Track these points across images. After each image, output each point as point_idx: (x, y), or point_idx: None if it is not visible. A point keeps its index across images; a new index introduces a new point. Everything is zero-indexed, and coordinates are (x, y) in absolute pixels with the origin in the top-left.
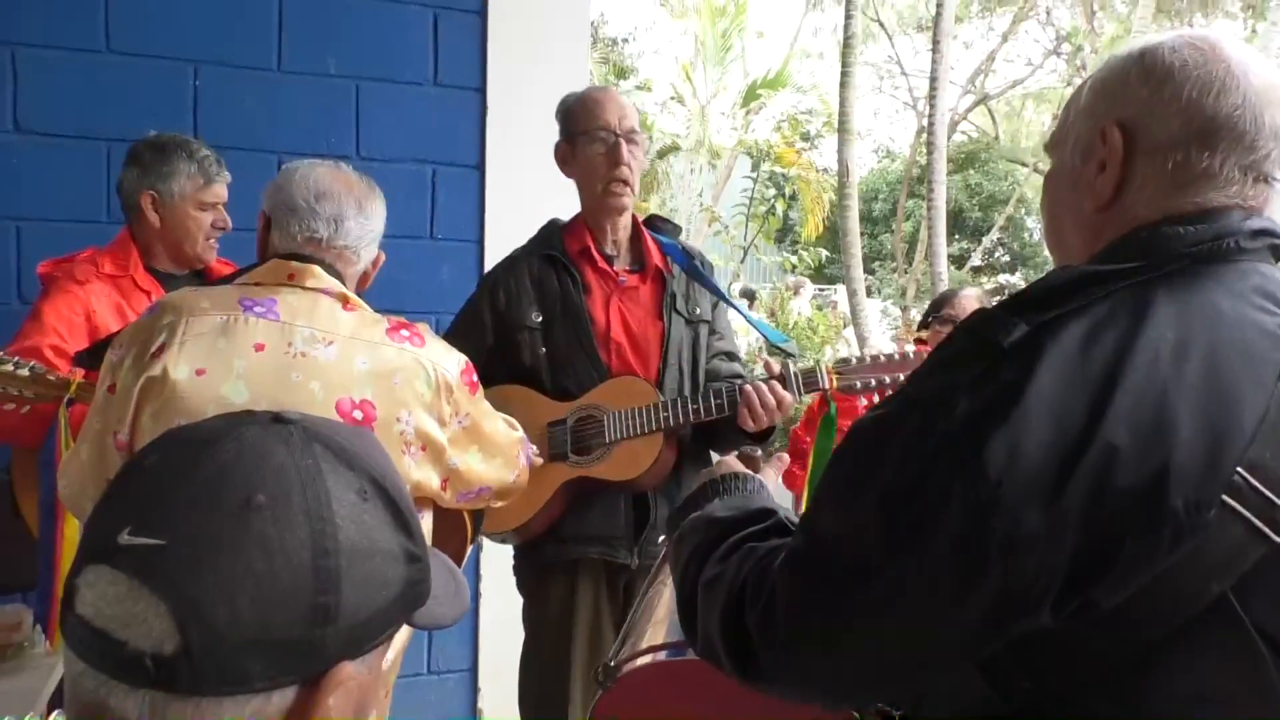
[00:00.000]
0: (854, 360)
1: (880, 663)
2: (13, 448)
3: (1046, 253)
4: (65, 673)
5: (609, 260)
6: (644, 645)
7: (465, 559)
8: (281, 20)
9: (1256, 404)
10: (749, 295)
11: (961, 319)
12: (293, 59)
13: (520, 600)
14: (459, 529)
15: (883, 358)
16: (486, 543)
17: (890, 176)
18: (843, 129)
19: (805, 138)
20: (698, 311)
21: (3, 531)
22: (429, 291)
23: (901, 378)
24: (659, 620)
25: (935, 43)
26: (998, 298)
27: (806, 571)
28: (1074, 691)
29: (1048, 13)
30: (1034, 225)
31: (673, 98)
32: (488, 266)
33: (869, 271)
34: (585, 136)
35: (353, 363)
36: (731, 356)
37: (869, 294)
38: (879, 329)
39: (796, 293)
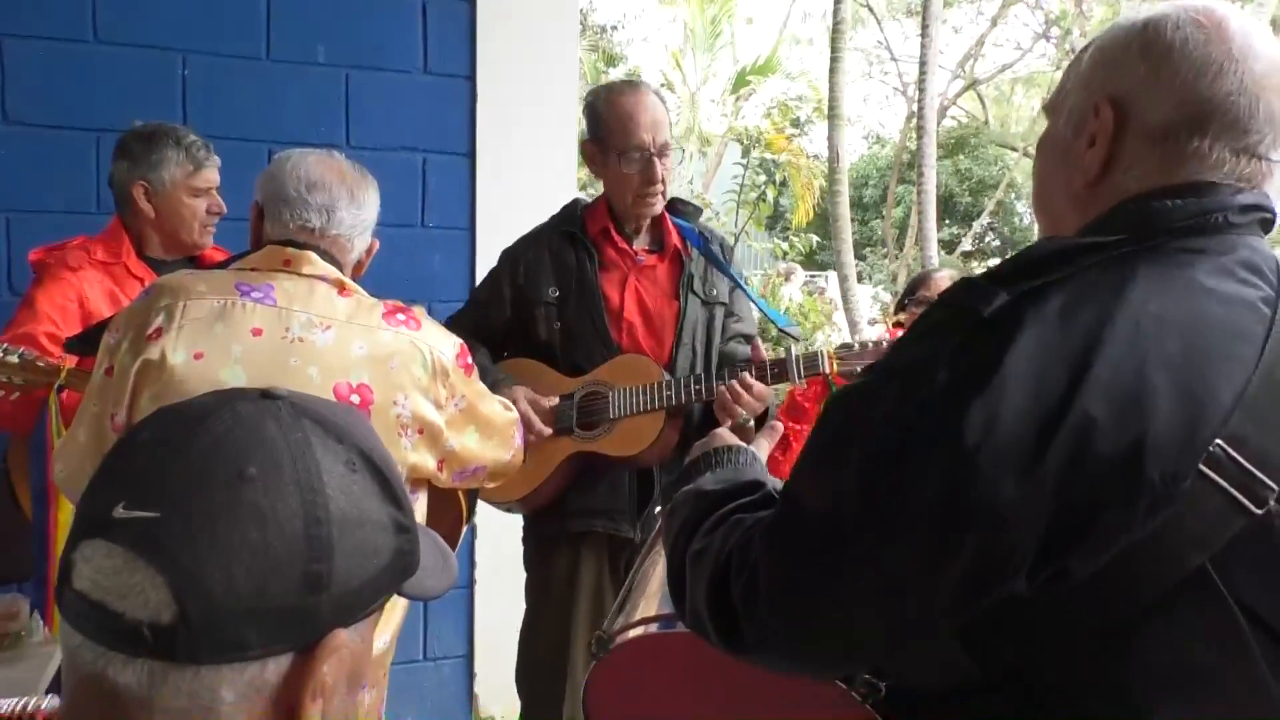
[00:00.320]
0: (856, 345)
1: (861, 631)
2: (10, 437)
3: (1036, 237)
4: (62, 646)
5: (628, 240)
6: (637, 617)
7: (460, 539)
8: (270, 9)
9: (1236, 377)
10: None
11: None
12: (282, 48)
13: (514, 586)
14: (453, 509)
15: (885, 343)
16: (481, 530)
17: (880, 162)
18: (833, 114)
19: (795, 124)
20: (715, 293)
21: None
22: (420, 279)
23: None
24: (652, 593)
25: (925, 26)
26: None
27: (787, 541)
28: (1053, 661)
29: None
30: (1024, 210)
31: (662, 85)
32: (479, 254)
33: (860, 257)
34: (619, 155)
35: (350, 347)
36: (750, 340)
37: (860, 279)
38: (870, 314)
39: (788, 279)
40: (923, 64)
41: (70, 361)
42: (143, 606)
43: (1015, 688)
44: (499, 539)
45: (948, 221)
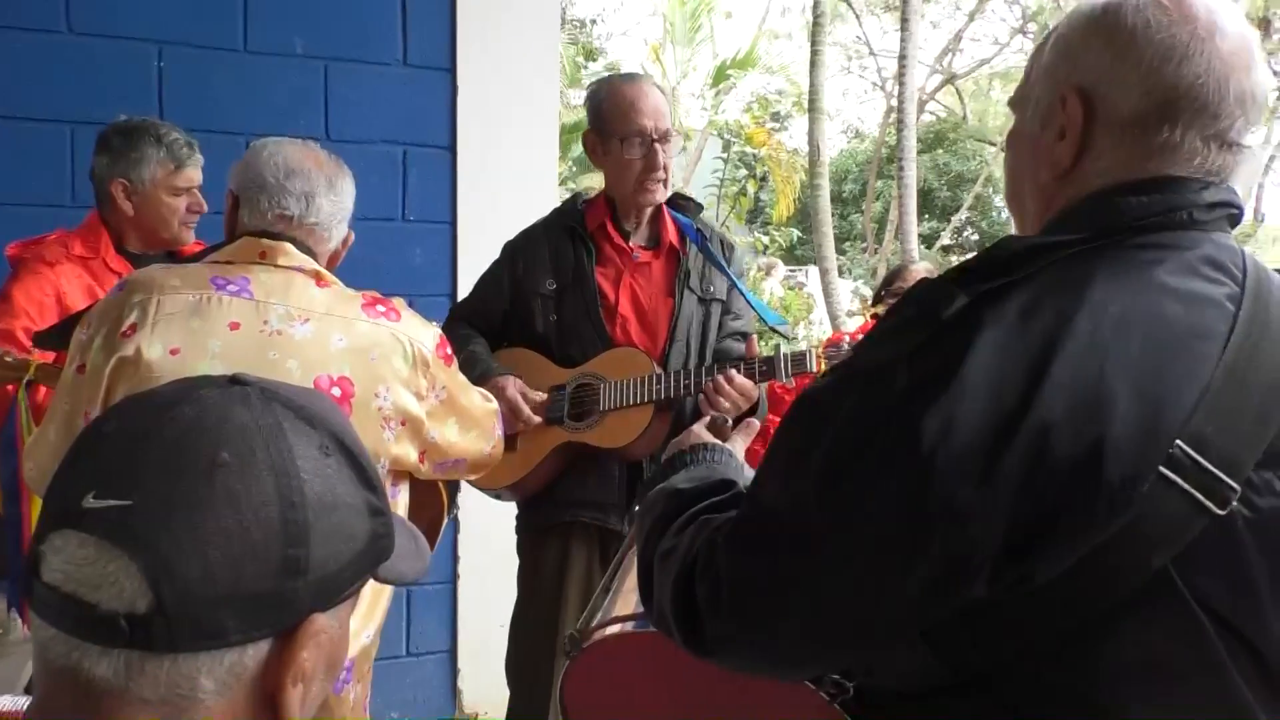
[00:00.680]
0: (846, 344)
1: (822, 634)
2: None
3: (1014, 231)
4: (34, 641)
5: (625, 236)
6: (613, 615)
7: (440, 532)
8: (247, 0)
9: (1198, 376)
10: None
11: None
12: (259, 39)
13: (498, 581)
14: (434, 501)
15: None
16: (465, 526)
17: (859, 157)
18: (813, 109)
19: (775, 118)
20: (711, 290)
21: None
22: (401, 273)
23: None
24: (628, 590)
25: (904, 20)
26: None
27: (749, 543)
28: (1019, 663)
29: None
30: (1002, 205)
31: None
32: (460, 248)
33: (839, 252)
34: (620, 141)
35: (329, 339)
36: (747, 338)
37: (840, 274)
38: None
39: (768, 273)
40: (902, 58)
41: (38, 356)
42: (118, 596)
43: (982, 689)
44: (482, 534)
45: (926, 216)
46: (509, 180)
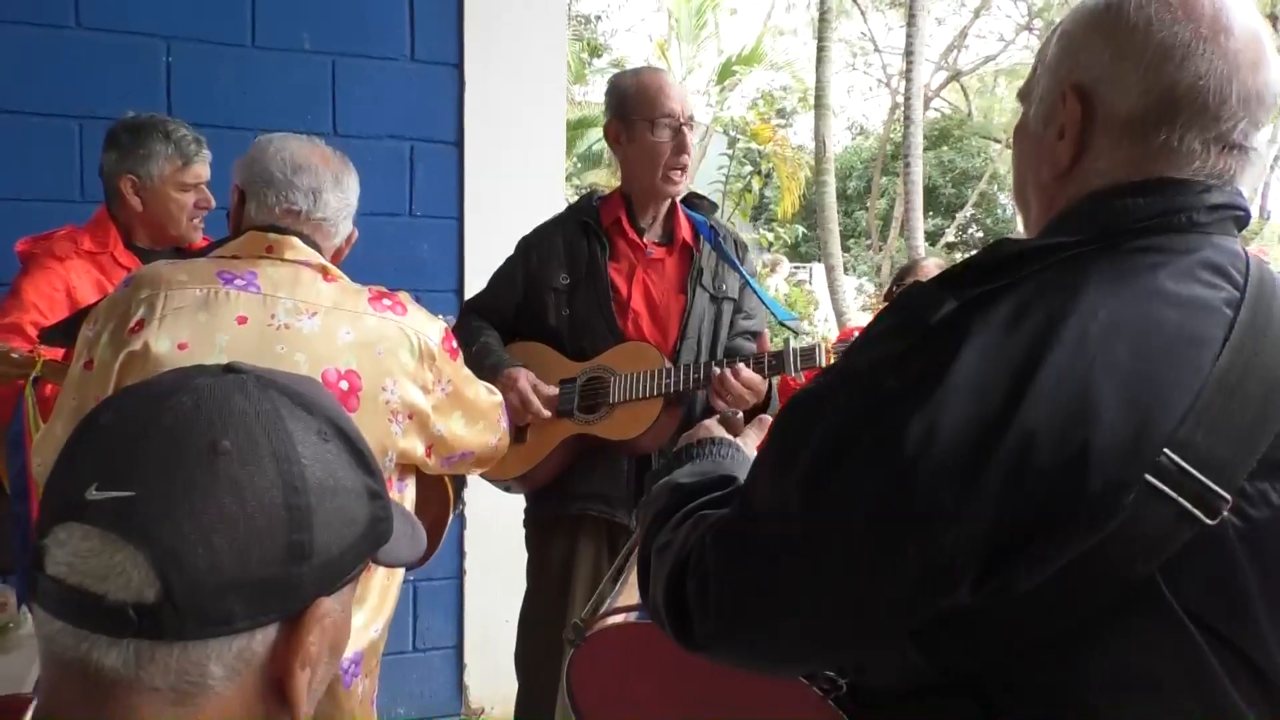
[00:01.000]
0: (855, 339)
1: (805, 635)
2: None
3: (1019, 228)
4: (39, 635)
5: (639, 233)
6: (619, 604)
7: (446, 527)
8: None
9: (1189, 384)
10: None
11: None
12: (267, 35)
13: (504, 577)
14: (439, 495)
15: None
16: (471, 521)
17: (864, 154)
18: (819, 105)
19: (780, 114)
20: (724, 289)
21: None
22: (408, 268)
23: None
24: (633, 580)
25: (911, 16)
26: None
27: (736, 543)
28: (1005, 667)
29: None
30: (1007, 202)
31: None
32: (467, 243)
33: (844, 249)
34: (648, 123)
35: (336, 333)
36: (757, 338)
37: (844, 271)
38: (855, 305)
39: (773, 270)
40: (909, 53)
41: (56, 354)
42: (125, 587)
43: (970, 690)
44: (489, 529)
45: (931, 213)
46: (516, 175)
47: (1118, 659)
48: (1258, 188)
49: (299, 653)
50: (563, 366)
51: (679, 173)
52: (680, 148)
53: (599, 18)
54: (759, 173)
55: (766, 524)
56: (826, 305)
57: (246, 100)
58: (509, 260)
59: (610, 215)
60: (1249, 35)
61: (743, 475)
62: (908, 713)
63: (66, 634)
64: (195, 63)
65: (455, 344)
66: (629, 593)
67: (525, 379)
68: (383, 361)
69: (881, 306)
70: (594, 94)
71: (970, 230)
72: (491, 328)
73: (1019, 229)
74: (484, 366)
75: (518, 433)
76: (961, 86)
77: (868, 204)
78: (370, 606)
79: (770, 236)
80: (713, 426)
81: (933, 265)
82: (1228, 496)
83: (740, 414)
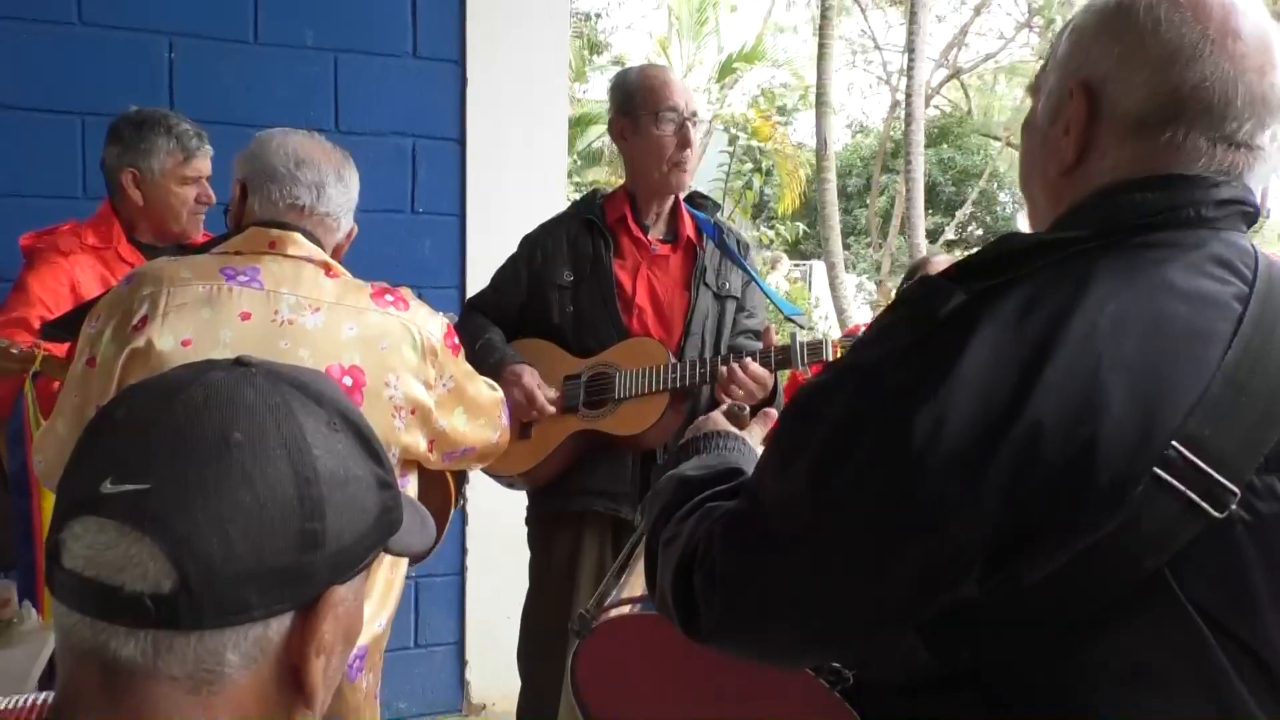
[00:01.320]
0: (860, 334)
1: (811, 628)
2: None
3: (1019, 227)
4: (56, 628)
5: (644, 230)
6: (623, 596)
7: (449, 521)
8: None
9: (1197, 378)
10: None
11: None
12: (270, 31)
13: (506, 573)
14: (441, 490)
15: None
16: (472, 518)
17: (864, 151)
18: (820, 102)
19: (781, 111)
20: (727, 287)
21: None
22: (410, 265)
23: None
24: (639, 573)
25: (912, 13)
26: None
27: (742, 536)
28: (1010, 661)
29: None
30: (1007, 200)
31: None
32: (469, 240)
33: (844, 246)
34: (653, 116)
35: (340, 329)
36: (759, 336)
37: (845, 268)
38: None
39: (774, 267)
40: (910, 50)
41: (57, 349)
42: (142, 578)
43: (975, 685)
44: (490, 526)
45: (931, 211)
46: (518, 173)
47: (1124, 653)
48: (1266, 185)
49: (314, 640)
50: (567, 363)
51: (684, 165)
52: (684, 142)
53: (599, 15)
54: (759, 170)
55: (774, 516)
56: (827, 303)
57: (249, 97)
58: (512, 258)
59: (615, 212)
60: (1258, 38)
61: (749, 469)
62: (912, 706)
63: (84, 626)
64: (198, 59)
65: (457, 340)
66: (634, 585)
67: (529, 375)
68: (386, 357)
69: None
70: (594, 91)
71: (970, 228)
72: (494, 325)
73: (1018, 226)
74: (488, 363)
75: (522, 429)
76: (961, 84)
77: (867, 201)
78: (374, 601)
79: (770, 234)
80: (718, 420)
81: (942, 262)
82: (1236, 490)
83: (746, 408)
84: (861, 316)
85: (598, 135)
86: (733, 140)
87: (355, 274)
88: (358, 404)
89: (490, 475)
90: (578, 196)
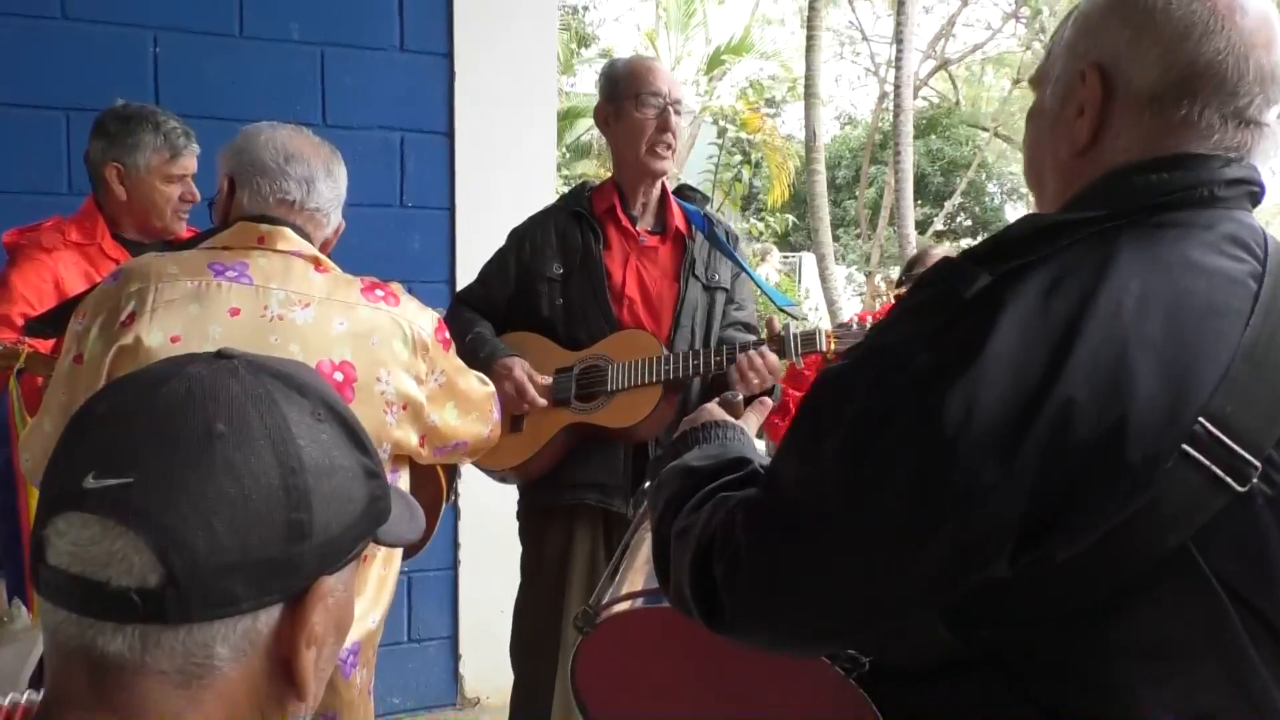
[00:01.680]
0: (854, 325)
1: (840, 612)
2: None
3: (1007, 217)
4: (43, 625)
5: (632, 221)
6: (624, 591)
7: (440, 515)
8: None
9: (1220, 355)
10: None
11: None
12: (254, 25)
13: (499, 567)
14: (433, 485)
15: None
16: (465, 512)
17: (853, 143)
18: (809, 94)
19: (770, 103)
20: (716, 279)
21: None
22: (400, 259)
23: None
24: (639, 567)
25: (900, 4)
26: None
27: (768, 521)
28: (1034, 641)
29: None
30: (995, 190)
31: None
32: (459, 234)
33: (833, 238)
34: (635, 100)
35: (330, 324)
36: (749, 328)
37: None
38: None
39: (763, 259)
40: (898, 41)
41: (43, 346)
42: (127, 572)
43: (994, 666)
44: (483, 520)
45: (920, 202)
46: (507, 165)
47: (1146, 627)
48: (1270, 164)
49: (304, 631)
50: (558, 355)
51: (664, 149)
52: (664, 125)
53: (587, 8)
54: (748, 162)
55: (801, 503)
56: (817, 294)
57: (235, 91)
58: (500, 251)
59: (603, 203)
60: (1261, 15)
61: (752, 457)
62: (930, 690)
63: (71, 623)
64: (183, 54)
65: (447, 334)
66: (634, 578)
67: (520, 368)
68: (376, 352)
69: (895, 293)
70: (582, 84)
71: (959, 218)
72: (484, 318)
73: (1007, 217)
74: (478, 356)
75: (514, 422)
76: (949, 75)
77: (856, 193)
78: (368, 597)
79: (760, 226)
80: (715, 410)
81: (939, 254)
82: (1257, 464)
83: (741, 397)
84: (851, 308)
85: (586, 128)
86: (721, 133)
87: (344, 268)
88: (349, 400)
89: (482, 470)
90: (566, 190)
